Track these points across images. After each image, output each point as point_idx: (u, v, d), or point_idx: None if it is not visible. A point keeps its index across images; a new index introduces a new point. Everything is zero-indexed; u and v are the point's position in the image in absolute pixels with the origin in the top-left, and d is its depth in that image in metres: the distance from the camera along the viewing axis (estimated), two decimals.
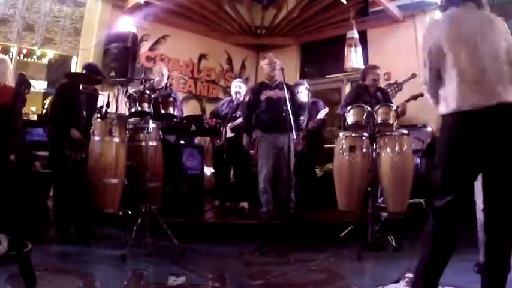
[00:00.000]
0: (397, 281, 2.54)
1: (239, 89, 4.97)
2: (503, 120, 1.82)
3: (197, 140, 5.31)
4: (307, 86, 5.15)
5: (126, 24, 5.78)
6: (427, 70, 2.05)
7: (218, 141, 4.94)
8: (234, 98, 5.04)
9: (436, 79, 2.03)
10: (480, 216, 2.21)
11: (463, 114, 1.86)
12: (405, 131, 3.71)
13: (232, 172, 5.08)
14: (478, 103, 1.82)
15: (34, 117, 4.84)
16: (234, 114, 4.90)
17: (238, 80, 5.44)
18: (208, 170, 5.23)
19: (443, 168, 1.96)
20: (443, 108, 1.96)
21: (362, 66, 5.54)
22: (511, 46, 1.90)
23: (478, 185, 2.01)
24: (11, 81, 3.44)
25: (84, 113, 3.62)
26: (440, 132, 2.03)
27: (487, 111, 1.81)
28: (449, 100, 1.92)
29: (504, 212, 1.88)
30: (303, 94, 4.99)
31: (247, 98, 4.49)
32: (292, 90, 4.34)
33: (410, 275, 2.64)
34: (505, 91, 1.83)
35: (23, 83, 2.43)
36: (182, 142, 4.57)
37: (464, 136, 1.88)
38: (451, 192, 1.90)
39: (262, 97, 4.27)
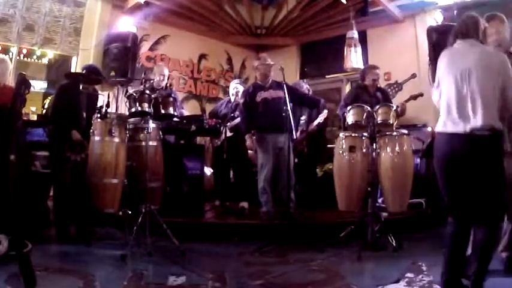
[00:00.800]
0: (397, 281, 2.54)
1: (237, 90, 4.96)
2: (476, 145, 2.08)
3: (197, 140, 5.32)
4: (308, 87, 5.15)
5: (126, 24, 5.78)
6: (437, 87, 2.32)
7: (217, 141, 4.93)
8: (232, 99, 5.04)
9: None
10: None
11: (447, 135, 2.17)
12: (405, 131, 3.70)
13: (231, 172, 5.08)
14: (456, 129, 2.12)
15: (34, 117, 4.84)
16: (232, 115, 4.89)
17: (235, 81, 5.43)
18: (208, 170, 5.23)
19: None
20: (438, 126, 2.26)
21: (362, 66, 5.53)
22: (504, 82, 2.11)
23: None
24: (11, 81, 3.44)
25: (84, 113, 3.62)
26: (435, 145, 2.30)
27: (463, 136, 2.09)
28: (440, 121, 2.24)
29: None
30: None
31: (242, 101, 4.46)
32: (290, 86, 4.29)
33: (410, 275, 2.65)
34: (488, 119, 2.05)
35: (23, 83, 2.43)
36: (182, 142, 4.58)
37: (447, 153, 2.17)
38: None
39: (258, 99, 4.24)
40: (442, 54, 2.33)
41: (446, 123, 2.18)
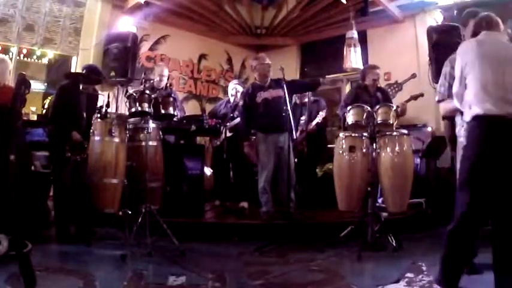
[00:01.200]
0: (397, 281, 2.54)
1: (236, 90, 4.96)
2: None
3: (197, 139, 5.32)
4: None
5: (126, 24, 5.77)
6: (459, 82, 2.26)
7: (216, 141, 4.93)
8: (231, 99, 5.03)
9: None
10: None
11: (491, 119, 2.08)
12: (405, 131, 3.70)
13: (231, 172, 5.07)
14: (495, 111, 2.06)
15: (34, 117, 4.84)
16: (232, 115, 4.89)
17: (234, 81, 5.43)
18: (208, 170, 5.24)
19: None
20: (474, 110, 2.15)
21: (361, 66, 5.54)
22: None
23: None
24: (11, 81, 3.44)
25: (84, 114, 3.62)
26: (468, 135, 2.22)
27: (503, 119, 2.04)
28: (474, 108, 2.14)
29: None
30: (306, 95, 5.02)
31: (241, 102, 4.45)
32: (288, 81, 4.19)
33: (410, 275, 2.65)
34: None
35: (23, 83, 2.43)
36: (182, 142, 4.57)
37: (489, 138, 2.08)
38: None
39: (258, 99, 4.22)
40: (465, 44, 2.31)
41: (486, 106, 2.07)
